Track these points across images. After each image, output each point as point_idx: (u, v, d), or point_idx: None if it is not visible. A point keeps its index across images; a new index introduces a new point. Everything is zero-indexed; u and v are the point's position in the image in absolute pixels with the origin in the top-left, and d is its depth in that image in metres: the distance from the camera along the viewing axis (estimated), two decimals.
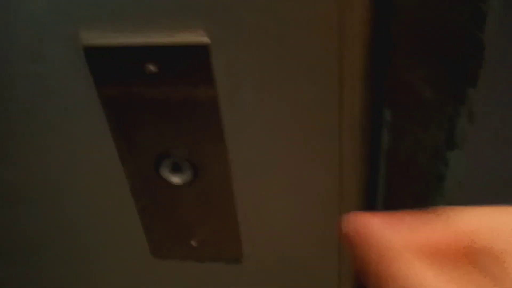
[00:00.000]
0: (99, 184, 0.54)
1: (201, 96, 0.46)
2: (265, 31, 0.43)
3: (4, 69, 0.46)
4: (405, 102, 0.45)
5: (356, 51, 0.44)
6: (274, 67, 0.45)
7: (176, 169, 0.52)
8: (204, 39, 0.43)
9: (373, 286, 0.23)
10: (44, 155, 0.52)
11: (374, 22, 0.43)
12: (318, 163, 0.51)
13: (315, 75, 0.45)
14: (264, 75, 0.45)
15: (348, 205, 0.54)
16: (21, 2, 0.42)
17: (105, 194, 0.54)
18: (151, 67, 0.44)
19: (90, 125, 0.49)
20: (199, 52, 0.44)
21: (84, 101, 0.47)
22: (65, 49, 0.44)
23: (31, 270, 0.63)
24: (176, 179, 0.52)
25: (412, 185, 0.50)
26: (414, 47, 0.42)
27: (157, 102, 0.47)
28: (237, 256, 0.58)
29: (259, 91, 0.46)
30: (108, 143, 0.50)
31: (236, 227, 0.55)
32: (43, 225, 0.58)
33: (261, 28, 0.43)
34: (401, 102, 0.45)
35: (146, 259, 0.60)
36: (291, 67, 0.45)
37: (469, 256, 0.22)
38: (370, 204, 0.53)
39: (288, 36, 0.43)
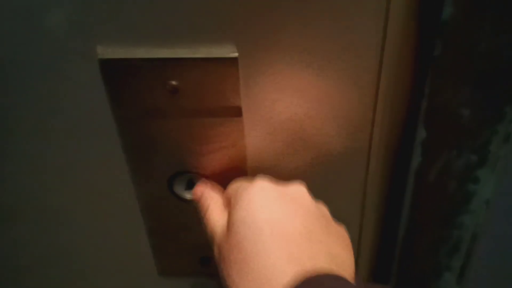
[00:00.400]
0: (108, 202, 0.50)
1: (226, 112, 0.43)
2: (298, 46, 0.40)
3: (16, 84, 0.42)
4: (442, 122, 0.43)
5: (396, 72, 0.41)
6: (305, 83, 0.42)
7: (190, 185, 0.49)
8: (232, 52, 0.40)
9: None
10: (54, 171, 0.48)
11: (417, 42, 0.40)
12: (341, 182, 0.49)
13: (348, 94, 0.42)
14: (293, 91, 0.42)
15: (369, 221, 0.53)
16: (37, 15, 0.38)
17: (114, 212, 0.51)
18: (173, 83, 0.41)
19: (102, 143, 0.45)
20: (227, 66, 0.40)
21: (97, 118, 0.44)
22: (81, 63, 0.40)
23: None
24: (190, 195, 0.49)
25: (439, 204, 0.48)
26: (455, 67, 0.40)
27: (177, 119, 0.43)
28: None
29: (286, 108, 0.43)
30: (120, 161, 0.46)
31: None
32: (51, 245, 0.54)
33: (292, 42, 0.40)
34: (438, 123, 0.43)
35: (152, 277, 0.57)
36: (322, 85, 0.42)
37: (229, 202, 0.39)
38: (394, 221, 0.51)
39: (324, 50, 0.40)
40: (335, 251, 0.35)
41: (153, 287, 0.58)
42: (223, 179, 0.47)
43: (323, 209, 0.39)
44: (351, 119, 0.44)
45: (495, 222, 0.50)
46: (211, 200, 0.43)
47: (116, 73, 0.41)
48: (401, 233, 0.50)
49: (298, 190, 0.39)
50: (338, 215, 0.48)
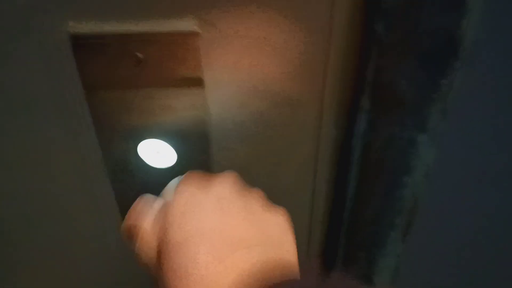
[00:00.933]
0: (79, 171, 0.54)
1: (189, 82, 0.46)
2: (255, 24, 0.44)
3: None
4: (384, 97, 0.47)
5: (343, 50, 0.45)
6: (262, 58, 0.46)
7: (158, 153, 0.52)
8: (194, 27, 0.43)
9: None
10: (25, 141, 0.51)
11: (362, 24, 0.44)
12: (295, 155, 0.53)
13: (301, 70, 0.46)
14: (251, 66, 0.46)
15: (321, 186, 0.57)
16: None
17: (84, 181, 0.54)
18: (139, 55, 0.44)
19: (72, 111, 0.49)
20: (189, 41, 0.44)
21: (68, 88, 0.47)
22: (52, 38, 0.43)
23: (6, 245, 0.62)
24: (157, 163, 0.52)
25: (383, 175, 0.53)
26: (397, 46, 0.44)
27: (142, 88, 0.47)
28: None
29: (246, 82, 0.47)
30: (89, 130, 0.50)
31: None
32: (20, 211, 0.57)
33: (251, 19, 0.44)
34: (380, 97, 0.47)
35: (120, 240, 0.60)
36: (278, 59, 0.46)
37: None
38: (342, 194, 0.55)
39: (278, 31, 0.44)
40: (264, 238, 0.36)
41: (120, 250, 0.62)
42: (187, 146, 0.51)
43: (254, 199, 0.40)
44: (303, 92, 0.48)
45: (434, 187, 0.55)
46: (139, 231, 0.39)
47: (86, 47, 0.44)
48: (350, 194, 0.55)
49: (225, 186, 0.39)
50: (291, 182, 0.52)
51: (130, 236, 0.39)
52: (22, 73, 0.46)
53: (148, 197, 0.41)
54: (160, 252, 0.36)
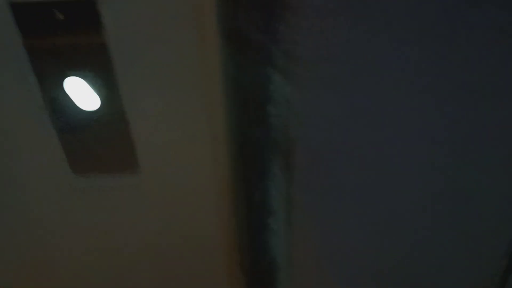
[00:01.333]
0: (25, 116, 0.72)
1: (93, 42, 0.65)
2: None
3: None
4: (238, 44, 0.64)
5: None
6: (152, 15, 0.64)
7: (87, 98, 0.70)
8: None
9: None
10: None
11: None
12: (201, 101, 0.70)
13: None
14: (145, 24, 0.64)
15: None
16: None
17: (29, 126, 0.73)
18: (60, 16, 0.63)
19: (16, 70, 0.68)
20: (88, 5, 0.63)
21: (10, 50, 0.66)
22: None
23: None
24: (85, 106, 0.71)
25: (250, 107, 0.69)
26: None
27: (66, 46, 0.66)
28: (134, 169, 0.76)
29: (143, 37, 0.65)
30: (33, 84, 0.68)
31: (131, 145, 0.74)
32: None
33: None
34: (231, 44, 0.64)
35: (67, 175, 0.78)
36: (167, 21, 0.64)
37: None
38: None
39: None
40: None
41: (69, 185, 0.79)
42: (104, 94, 0.69)
43: None
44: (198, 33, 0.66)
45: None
46: None
47: (25, 13, 0.63)
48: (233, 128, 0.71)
49: None
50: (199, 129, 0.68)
51: None
52: None
53: None
54: None
